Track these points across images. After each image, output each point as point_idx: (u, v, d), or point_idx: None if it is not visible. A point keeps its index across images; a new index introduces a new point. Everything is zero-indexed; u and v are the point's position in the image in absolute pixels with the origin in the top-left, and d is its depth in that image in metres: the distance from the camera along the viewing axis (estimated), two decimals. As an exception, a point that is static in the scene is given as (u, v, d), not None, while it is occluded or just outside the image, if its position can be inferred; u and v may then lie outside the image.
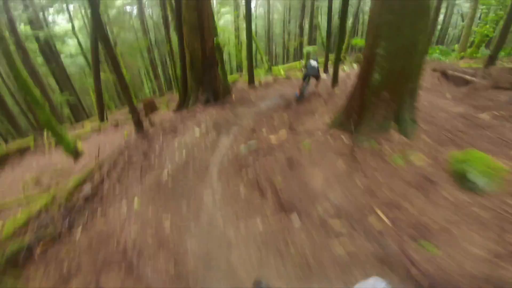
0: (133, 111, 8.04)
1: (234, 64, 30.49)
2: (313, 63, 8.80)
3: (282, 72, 18.48)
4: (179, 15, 8.71)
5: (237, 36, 24.07)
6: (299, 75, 16.41)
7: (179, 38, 9.21)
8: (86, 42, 22.12)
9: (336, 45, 9.12)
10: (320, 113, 6.46)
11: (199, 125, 7.46)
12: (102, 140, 10.79)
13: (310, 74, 8.61)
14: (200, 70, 9.37)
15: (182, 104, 10.08)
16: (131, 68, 24.98)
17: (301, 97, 8.61)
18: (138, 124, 8.20)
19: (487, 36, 14.04)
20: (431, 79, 8.66)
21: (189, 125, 7.65)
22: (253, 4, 32.86)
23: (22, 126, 18.84)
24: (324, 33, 30.55)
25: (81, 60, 24.33)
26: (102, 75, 15.56)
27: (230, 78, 20.87)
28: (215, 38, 10.00)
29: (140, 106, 14.52)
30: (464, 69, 8.85)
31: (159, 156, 6.35)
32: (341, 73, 12.96)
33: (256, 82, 14.45)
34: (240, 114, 8.36)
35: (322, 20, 31.76)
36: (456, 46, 17.56)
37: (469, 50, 14.92)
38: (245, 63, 21.19)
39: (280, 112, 7.82)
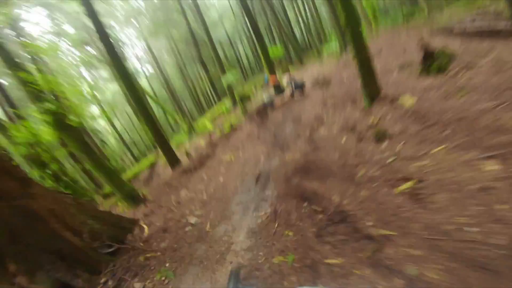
0: None
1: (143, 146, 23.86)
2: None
3: (210, 125, 12.82)
4: None
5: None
6: (238, 117, 11.01)
7: None
8: None
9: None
10: None
11: None
12: None
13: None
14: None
15: None
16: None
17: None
18: None
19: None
20: None
21: None
22: (137, 65, 27.31)
23: None
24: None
25: None
26: None
27: (140, 166, 14.01)
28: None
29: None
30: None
31: None
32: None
33: (183, 157, 8.21)
34: None
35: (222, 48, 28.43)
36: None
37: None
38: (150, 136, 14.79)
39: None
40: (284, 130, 5.63)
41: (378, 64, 6.23)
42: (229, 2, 23.55)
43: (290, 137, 5.06)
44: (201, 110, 24.94)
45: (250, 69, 31.16)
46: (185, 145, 11.45)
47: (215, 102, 21.73)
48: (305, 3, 23.17)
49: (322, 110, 5.07)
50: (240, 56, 31.57)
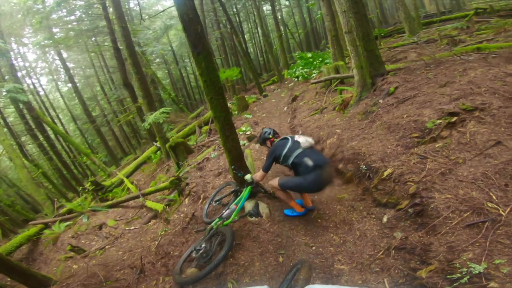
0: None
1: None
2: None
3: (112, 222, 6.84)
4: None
5: None
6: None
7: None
8: None
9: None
10: None
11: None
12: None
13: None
14: None
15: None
16: None
17: None
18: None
19: None
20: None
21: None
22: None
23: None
24: (169, 87, 21.63)
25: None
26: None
27: None
28: None
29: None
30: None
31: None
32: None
33: None
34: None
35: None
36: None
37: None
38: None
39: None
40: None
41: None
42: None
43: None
44: (115, 158, 18.26)
45: (198, 92, 26.23)
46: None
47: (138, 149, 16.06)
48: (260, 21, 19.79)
49: None
50: (188, 76, 26.57)
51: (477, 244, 1.74)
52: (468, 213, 1.91)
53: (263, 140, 3.24)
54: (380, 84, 3.69)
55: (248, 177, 3.17)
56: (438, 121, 2.54)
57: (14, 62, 12.85)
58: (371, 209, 2.59)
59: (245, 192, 3.20)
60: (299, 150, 2.71)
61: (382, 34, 9.69)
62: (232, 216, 2.94)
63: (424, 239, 2.00)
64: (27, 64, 17.79)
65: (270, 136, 3.18)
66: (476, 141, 2.30)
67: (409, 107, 3.00)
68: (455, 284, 1.63)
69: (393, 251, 2.15)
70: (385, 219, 2.40)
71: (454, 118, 2.50)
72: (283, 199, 3.06)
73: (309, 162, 2.57)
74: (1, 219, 8.71)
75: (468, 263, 1.64)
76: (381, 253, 2.22)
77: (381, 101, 3.46)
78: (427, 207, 2.07)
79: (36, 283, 3.24)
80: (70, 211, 6.96)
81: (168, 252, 3.80)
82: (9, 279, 3.98)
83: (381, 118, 3.17)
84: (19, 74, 14.18)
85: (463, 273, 1.61)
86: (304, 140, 2.80)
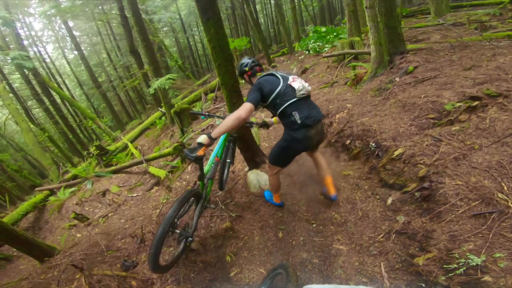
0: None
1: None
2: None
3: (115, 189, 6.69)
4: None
5: None
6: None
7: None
8: None
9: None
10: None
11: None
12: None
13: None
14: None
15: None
16: None
17: None
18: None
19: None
20: None
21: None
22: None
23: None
24: (177, 55, 20.96)
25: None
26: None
27: None
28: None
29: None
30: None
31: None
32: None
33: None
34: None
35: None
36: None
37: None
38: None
39: None
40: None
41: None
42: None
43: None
44: (120, 123, 18.23)
45: (205, 60, 25.49)
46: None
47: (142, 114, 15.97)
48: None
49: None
50: (195, 44, 25.67)
51: (480, 235, 1.69)
52: (476, 202, 1.84)
53: (240, 74, 2.56)
54: (399, 62, 3.48)
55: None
56: (458, 104, 2.40)
57: (20, 31, 12.64)
58: (376, 189, 2.56)
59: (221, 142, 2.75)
60: (292, 100, 2.12)
61: (404, 14, 9.05)
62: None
63: (427, 226, 1.97)
64: (33, 33, 17.49)
65: (247, 69, 2.45)
66: (495, 128, 2.17)
67: (428, 87, 2.84)
68: (450, 275, 1.62)
69: (394, 235, 2.13)
70: (389, 201, 2.37)
71: (476, 103, 2.35)
72: (271, 185, 2.79)
73: (297, 119, 2.09)
74: (9, 185, 8.87)
75: (467, 254, 1.62)
76: (381, 236, 2.21)
77: (397, 79, 3.28)
78: (435, 192, 2.02)
79: (40, 253, 3.27)
80: (75, 177, 7.08)
81: (170, 220, 3.83)
82: (15, 249, 4.07)
83: (396, 96, 3.02)
84: (25, 42, 13.95)
85: (460, 264, 1.60)
86: (300, 86, 2.15)
